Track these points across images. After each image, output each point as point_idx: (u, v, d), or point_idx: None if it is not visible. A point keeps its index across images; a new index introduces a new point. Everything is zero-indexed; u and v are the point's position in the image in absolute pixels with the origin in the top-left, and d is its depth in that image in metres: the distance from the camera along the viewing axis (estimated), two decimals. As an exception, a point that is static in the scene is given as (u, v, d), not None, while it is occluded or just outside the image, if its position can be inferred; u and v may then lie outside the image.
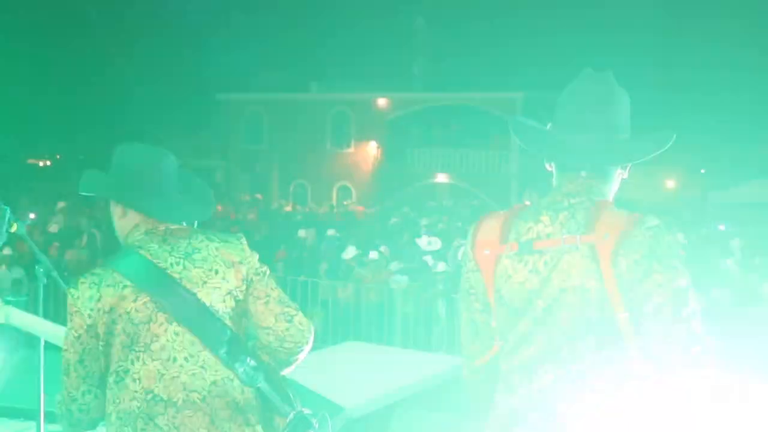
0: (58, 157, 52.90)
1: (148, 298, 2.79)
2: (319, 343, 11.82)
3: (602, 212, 2.37)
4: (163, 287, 2.80)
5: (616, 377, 2.31)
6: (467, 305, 2.59)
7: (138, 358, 2.78)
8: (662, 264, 2.28)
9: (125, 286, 2.79)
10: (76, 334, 2.85)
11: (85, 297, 2.83)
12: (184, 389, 2.76)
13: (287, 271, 14.02)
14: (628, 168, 2.61)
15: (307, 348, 2.95)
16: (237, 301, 2.86)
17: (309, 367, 3.21)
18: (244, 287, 2.87)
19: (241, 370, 2.82)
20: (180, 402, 2.76)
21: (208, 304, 2.80)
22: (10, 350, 6.94)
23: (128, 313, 2.79)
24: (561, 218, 2.40)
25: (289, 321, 2.88)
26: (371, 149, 33.94)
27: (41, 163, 52.78)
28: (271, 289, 2.91)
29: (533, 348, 2.38)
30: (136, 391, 2.77)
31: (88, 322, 2.81)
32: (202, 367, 2.79)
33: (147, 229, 2.92)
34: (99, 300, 2.80)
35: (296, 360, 2.96)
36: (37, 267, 4.22)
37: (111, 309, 2.79)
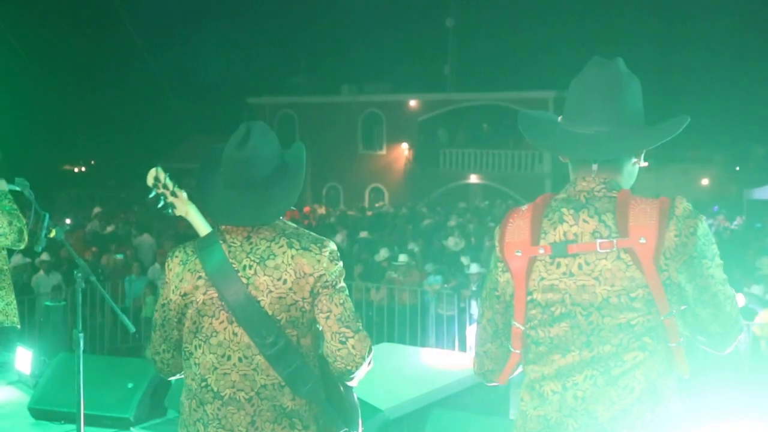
0: (92, 162, 53.42)
1: (216, 294, 2.89)
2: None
3: (628, 209, 2.31)
4: (230, 288, 2.86)
5: (657, 378, 2.30)
6: (490, 305, 2.55)
7: (199, 346, 2.93)
8: (709, 257, 2.31)
9: (200, 277, 2.92)
10: (162, 301, 3.04)
11: (174, 272, 2.99)
12: (233, 386, 2.87)
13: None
14: (641, 156, 2.55)
15: (363, 369, 2.94)
16: (303, 312, 2.88)
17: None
18: (311, 299, 2.88)
19: (288, 376, 2.86)
20: (227, 397, 2.87)
21: (270, 312, 2.85)
22: (51, 354, 7.03)
23: (197, 303, 2.91)
24: (584, 216, 2.35)
25: (342, 342, 2.88)
26: (403, 151, 33.91)
27: (76, 169, 53.34)
28: (336, 305, 2.88)
29: (570, 356, 2.34)
30: (195, 374, 2.93)
31: (171, 296, 2.97)
32: (254, 369, 2.87)
33: None
34: (181, 281, 2.95)
35: (352, 378, 2.97)
36: (75, 272, 4.27)
37: (185, 294, 2.93)
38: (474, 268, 13.18)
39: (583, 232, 2.33)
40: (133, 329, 4.65)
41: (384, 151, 34.61)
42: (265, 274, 2.86)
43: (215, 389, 2.89)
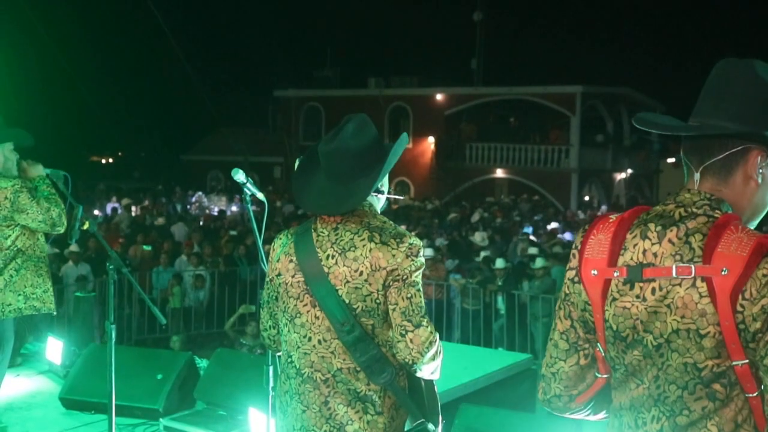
0: (120, 154, 53.79)
1: (303, 279, 3.09)
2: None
3: (723, 235, 1.97)
4: (314, 275, 3.05)
5: (728, 429, 1.99)
6: (566, 314, 2.26)
7: (286, 325, 3.16)
8: None
9: (291, 260, 3.14)
10: (268, 278, 3.28)
11: (275, 253, 3.23)
12: (312, 366, 3.07)
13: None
14: (758, 164, 2.09)
15: (428, 364, 2.98)
16: (377, 303, 2.99)
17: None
18: (384, 291, 2.99)
19: (364, 363, 2.98)
20: (306, 375, 3.09)
21: (347, 301, 2.99)
22: (81, 345, 7.10)
23: (287, 284, 3.14)
24: (670, 236, 2.04)
25: (402, 335, 2.96)
26: (429, 144, 33.89)
27: (104, 161, 53.74)
28: (403, 299, 2.97)
29: (642, 387, 2.09)
30: (284, 350, 3.19)
31: (271, 275, 3.23)
32: (332, 353, 3.04)
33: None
34: (278, 261, 3.19)
35: (416, 371, 3.01)
36: (108, 263, 4.31)
37: (279, 274, 3.17)
38: (499, 263, 13.17)
39: (664, 254, 2.03)
40: (164, 321, 4.69)
41: (410, 145, 34.58)
42: (344, 265, 3.00)
43: (297, 366, 3.11)
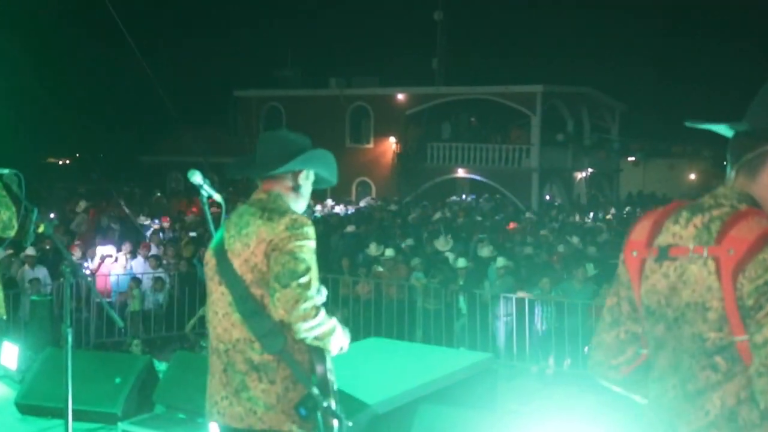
0: (77, 155, 53.19)
1: (215, 261, 3.49)
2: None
3: (739, 222, 2.15)
4: (221, 256, 3.45)
5: (737, 405, 2.11)
6: (616, 290, 2.48)
7: (208, 306, 3.54)
8: None
9: (210, 248, 3.58)
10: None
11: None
12: (217, 339, 3.44)
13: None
14: None
15: (302, 326, 3.23)
16: (262, 273, 3.33)
17: (332, 363, 3.28)
18: (266, 262, 3.31)
19: (258, 333, 3.31)
20: (213, 347, 3.47)
21: (239, 273, 3.36)
22: (38, 349, 7.00)
23: (206, 270, 3.57)
24: (695, 222, 2.24)
25: (271, 296, 3.26)
26: (390, 144, 33.90)
27: (60, 162, 53.10)
28: (277, 263, 3.27)
29: (664, 359, 2.29)
30: (209, 324, 3.55)
31: (205, 264, 3.61)
32: (232, 325, 3.38)
33: (252, 197, 3.58)
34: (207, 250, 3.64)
35: (296, 332, 3.26)
36: (64, 266, 4.25)
37: (205, 264, 3.58)
38: (461, 262, 13.19)
39: (687, 236, 2.24)
40: (121, 324, 4.65)
41: (371, 145, 34.60)
42: (239, 241, 3.40)
43: (210, 339, 3.50)
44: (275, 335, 3.27)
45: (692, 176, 46.32)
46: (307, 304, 3.20)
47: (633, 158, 42.99)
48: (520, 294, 11.88)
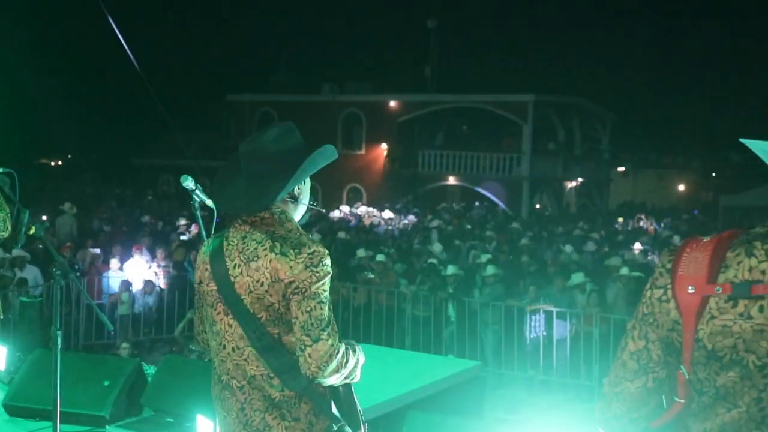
0: (69, 157, 53.08)
1: (215, 287, 3.13)
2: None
3: None
4: (224, 284, 3.09)
5: None
6: (643, 334, 2.16)
7: (209, 332, 3.23)
8: None
9: (207, 269, 3.19)
10: (194, 282, 3.34)
11: (198, 260, 3.29)
12: (228, 374, 3.11)
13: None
14: None
15: (331, 377, 2.98)
16: (280, 313, 3.00)
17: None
18: (285, 303, 2.98)
19: (277, 369, 3.00)
20: (224, 382, 3.14)
21: (251, 311, 3.01)
22: (27, 351, 6.99)
23: (204, 292, 3.20)
24: None
25: (301, 350, 2.95)
26: (382, 151, 33.95)
27: (52, 163, 53.00)
28: (302, 312, 2.94)
29: (736, 411, 2.00)
30: (211, 355, 3.25)
31: (197, 280, 3.26)
32: (245, 360, 3.06)
33: (250, 215, 3.16)
34: (198, 268, 3.26)
35: (322, 383, 3.01)
36: (54, 269, 4.25)
37: (199, 282, 3.23)
38: (450, 269, 13.22)
39: None
40: (111, 327, 4.63)
41: (363, 151, 34.63)
42: (248, 275, 3.02)
43: (218, 372, 3.18)
44: (297, 372, 2.98)
45: (681, 187, 46.49)
46: (339, 354, 2.96)
47: (623, 168, 43.14)
48: (546, 307, 11.80)
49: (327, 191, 34.28)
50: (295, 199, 3.20)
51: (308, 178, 3.30)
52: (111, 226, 20.57)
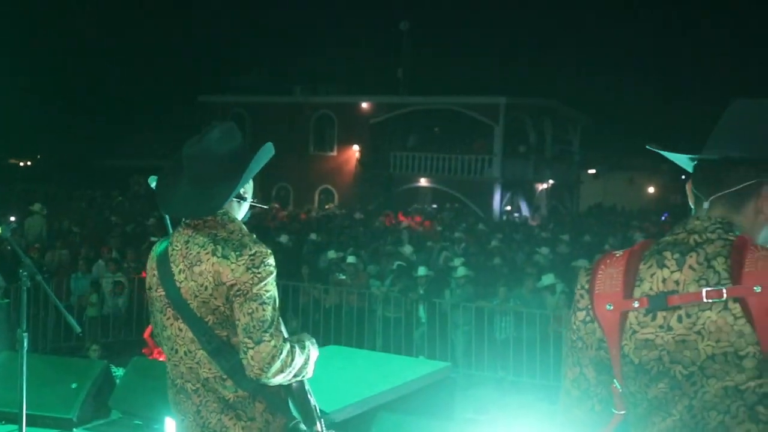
0: (38, 157, 52.61)
1: (164, 293, 3.13)
2: (301, 346, 11.85)
3: (745, 255, 1.96)
4: (170, 289, 3.09)
5: None
6: (576, 360, 2.19)
7: (160, 336, 3.23)
8: None
9: (154, 275, 3.20)
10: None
11: (148, 264, 3.26)
12: (182, 377, 3.13)
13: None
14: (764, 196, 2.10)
15: (275, 377, 2.98)
16: (225, 316, 3.01)
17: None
18: (229, 305, 2.99)
19: (229, 370, 3.00)
20: (179, 386, 3.15)
21: (199, 315, 3.02)
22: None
23: (153, 298, 3.21)
24: (690, 262, 2.01)
25: (244, 353, 2.95)
26: (354, 153, 33.94)
27: (21, 163, 52.50)
28: (244, 314, 2.94)
29: (671, 420, 2.02)
30: (167, 358, 3.23)
31: (147, 285, 3.26)
32: (197, 363, 3.06)
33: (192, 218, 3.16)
34: (148, 273, 3.25)
35: (267, 383, 3.01)
36: (21, 270, 4.22)
37: (149, 288, 3.22)
38: (421, 271, 13.24)
39: (687, 280, 1.99)
40: (78, 329, 4.58)
41: (335, 153, 34.61)
42: (192, 279, 3.04)
43: (172, 377, 3.19)
44: (243, 371, 2.99)
45: (651, 190, 46.85)
46: (283, 355, 2.95)
47: (593, 171, 43.40)
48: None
49: (299, 193, 34.26)
50: (242, 199, 3.20)
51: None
52: (80, 227, 20.40)
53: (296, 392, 3.14)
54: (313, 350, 3.19)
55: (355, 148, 33.82)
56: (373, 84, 36.12)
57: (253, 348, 2.91)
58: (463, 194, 31.61)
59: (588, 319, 2.14)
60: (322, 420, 3.21)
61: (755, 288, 1.90)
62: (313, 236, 18.88)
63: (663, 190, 45.51)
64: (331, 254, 14.85)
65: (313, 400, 3.20)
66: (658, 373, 2.02)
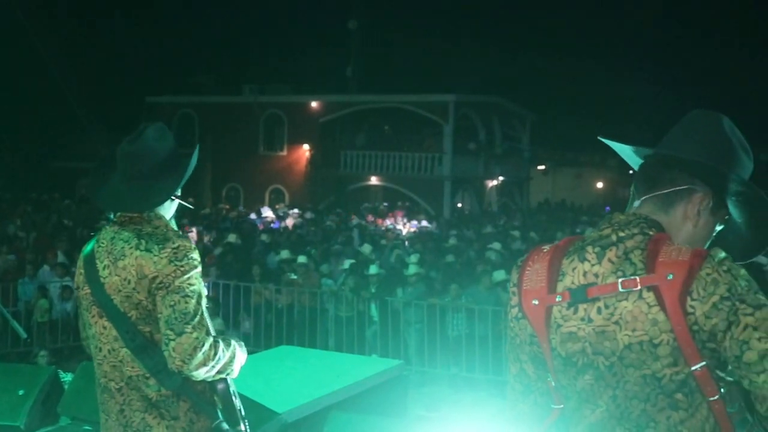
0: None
1: (89, 291, 3.13)
2: (253, 347, 11.81)
3: (660, 248, 2.01)
4: (96, 286, 3.09)
5: None
6: (515, 357, 2.25)
7: (86, 336, 3.24)
8: (750, 303, 1.91)
9: (81, 274, 3.20)
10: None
11: (78, 264, 3.25)
12: (106, 376, 3.11)
13: (221, 276, 13.94)
14: (699, 207, 2.14)
15: (201, 371, 2.96)
16: (148, 311, 3.01)
17: (242, 371, 3.25)
18: (152, 299, 3.00)
19: (152, 369, 3.00)
20: (103, 385, 3.13)
21: (122, 310, 3.02)
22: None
23: (80, 297, 3.21)
24: (609, 255, 2.06)
25: (166, 345, 2.94)
26: (304, 152, 33.86)
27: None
28: (166, 306, 2.94)
29: (599, 411, 2.06)
30: (93, 357, 3.21)
31: (75, 284, 3.27)
32: (121, 361, 3.05)
33: (120, 215, 3.18)
34: (76, 274, 3.25)
35: (192, 377, 2.99)
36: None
37: (77, 287, 3.24)
38: (373, 269, 13.26)
39: (606, 273, 2.04)
40: (24, 335, 4.49)
41: (285, 153, 34.49)
42: (116, 274, 3.05)
43: (97, 376, 3.16)
44: (171, 370, 2.98)
45: (599, 185, 47.42)
46: (205, 347, 2.93)
47: (542, 167, 43.81)
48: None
49: (249, 193, 34.08)
50: (176, 197, 3.23)
51: None
52: (27, 231, 20.09)
53: (221, 393, 3.13)
54: (240, 351, 3.18)
55: (306, 147, 33.74)
56: (323, 83, 36.03)
57: (174, 339, 2.90)
58: (413, 192, 31.69)
59: (520, 315, 2.20)
60: (246, 421, 3.20)
61: (668, 276, 1.95)
62: (263, 237, 18.81)
63: (611, 185, 46.09)
64: (285, 254, 14.80)
65: (238, 402, 3.19)
66: (583, 365, 2.06)
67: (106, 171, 3.25)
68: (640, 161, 2.29)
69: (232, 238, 17.50)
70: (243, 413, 3.20)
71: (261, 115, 34.43)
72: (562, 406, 2.19)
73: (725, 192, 2.14)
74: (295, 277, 13.58)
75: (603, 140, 2.34)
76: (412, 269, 12.97)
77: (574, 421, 2.13)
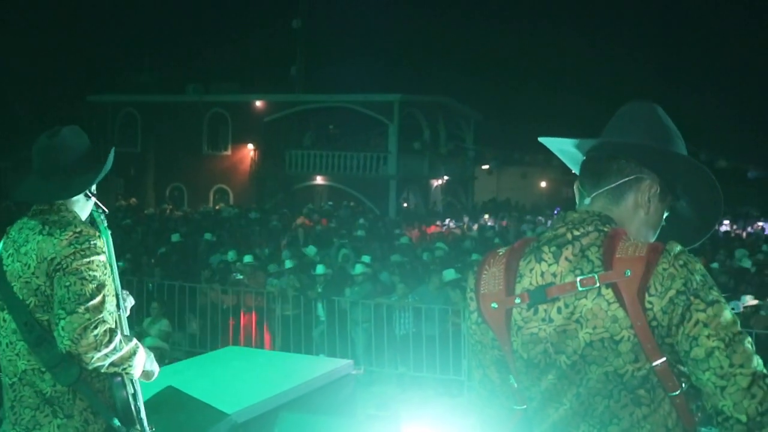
0: None
1: None
2: (199, 348, 11.70)
3: (617, 244, 2.02)
4: (0, 277, 3.05)
5: None
6: (479, 362, 2.26)
7: None
8: (704, 298, 1.93)
9: None
10: None
11: None
12: (3, 371, 3.07)
13: (165, 276, 13.79)
14: (649, 194, 2.17)
15: (93, 355, 2.88)
16: (47, 297, 2.96)
17: (190, 373, 3.21)
18: (50, 283, 2.95)
19: (48, 363, 2.93)
20: (2, 379, 3.09)
21: (21, 298, 2.96)
22: None
23: None
24: (566, 254, 2.07)
25: (56, 324, 2.89)
26: (249, 151, 33.68)
27: None
28: (61, 287, 2.90)
29: (563, 409, 2.06)
30: None
31: None
32: (17, 355, 2.99)
33: (34, 207, 3.18)
34: None
35: (86, 362, 2.90)
36: None
37: None
38: (319, 269, 13.22)
39: (564, 272, 2.05)
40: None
41: (229, 152, 34.27)
42: (17, 261, 3.02)
43: None
44: (68, 365, 2.90)
45: (543, 184, 47.94)
46: (98, 330, 2.85)
47: (487, 166, 44.13)
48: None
49: (193, 192, 33.79)
50: (91, 194, 3.25)
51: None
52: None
53: (118, 393, 3.06)
54: (141, 351, 3.12)
55: (250, 146, 33.57)
56: (267, 82, 35.87)
57: (65, 318, 2.85)
58: (359, 192, 31.71)
59: (480, 320, 2.20)
60: (144, 422, 3.14)
61: (625, 272, 1.96)
62: (207, 236, 18.65)
63: (555, 184, 46.62)
64: (232, 256, 14.68)
65: (138, 403, 3.13)
66: (545, 365, 2.07)
67: (28, 168, 3.26)
68: (580, 158, 2.30)
69: (175, 237, 17.31)
70: (142, 417, 3.13)
71: (205, 114, 34.17)
72: (525, 406, 2.20)
73: (673, 173, 2.18)
74: (240, 277, 13.48)
75: (543, 141, 2.35)
76: (358, 268, 12.94)
77: (537, 420, 2.13)
